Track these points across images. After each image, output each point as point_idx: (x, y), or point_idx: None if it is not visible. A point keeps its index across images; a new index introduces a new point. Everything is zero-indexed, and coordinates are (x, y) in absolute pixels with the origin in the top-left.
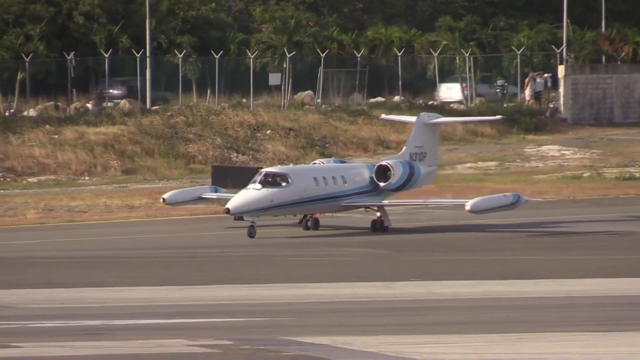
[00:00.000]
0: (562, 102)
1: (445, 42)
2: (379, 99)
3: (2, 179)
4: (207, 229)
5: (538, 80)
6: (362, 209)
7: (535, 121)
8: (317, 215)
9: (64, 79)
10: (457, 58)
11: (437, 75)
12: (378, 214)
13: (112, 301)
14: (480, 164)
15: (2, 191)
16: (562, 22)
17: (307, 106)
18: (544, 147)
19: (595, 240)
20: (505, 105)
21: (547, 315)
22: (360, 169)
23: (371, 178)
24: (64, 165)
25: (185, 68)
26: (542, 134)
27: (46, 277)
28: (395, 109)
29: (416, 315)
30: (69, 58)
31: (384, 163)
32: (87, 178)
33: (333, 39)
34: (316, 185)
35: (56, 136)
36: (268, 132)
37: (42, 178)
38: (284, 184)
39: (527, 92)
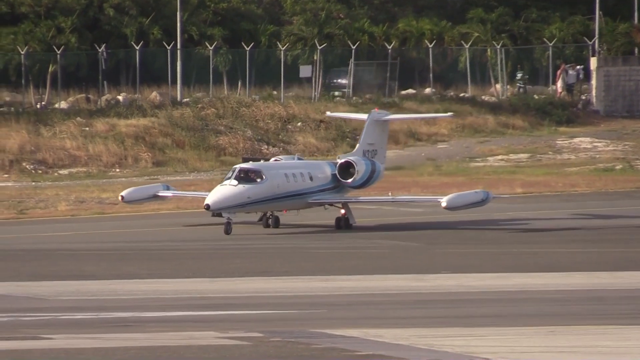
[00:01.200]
0: (594, 94)
1: (476, 34)
2: (410, 91)
3: (33, 171)
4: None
5: (570, 72)
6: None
7: (567, 113)
8: (284, 213)
9: (95, 72)
10: (489, 50)
11: (468, 67)
12: (342, 211)
13: (143, 293)
14: (512, 156)
15: (33, 183)
16: (595, 13)
17: (337, 98)
18: (576, 140)
19: (626, 233)
20: (537, 97)
21: (578, 308)
22: (322, 166)
23: (333, 175)
24: (94, 158)
25: (216, 60)
26: (574, 126)
27: (77, 269)
28: (427, 101)
29: (447, 307)
30: (100, 50)
31: (347, 160)
32: (117, 170)
33: (364, 31)
34: (287, 181)
35: (87, 128)
36: (299, 124)
37: (73, 170)
38: (258, 180)
39: (559, 85)
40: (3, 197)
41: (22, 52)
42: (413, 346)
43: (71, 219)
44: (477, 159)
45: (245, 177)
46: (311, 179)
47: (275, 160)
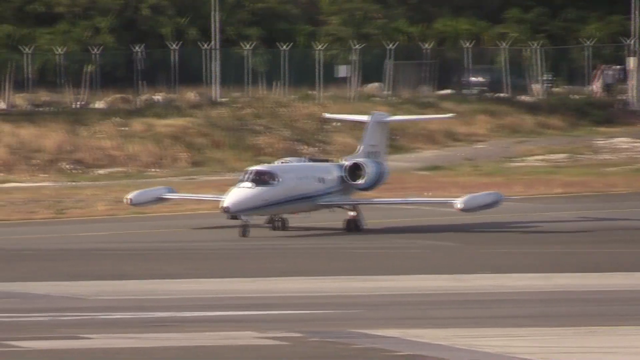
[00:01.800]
0: (632, 94)
1: (514, 34)
2: (448, 91)
3: (71, 171)
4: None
5: (608, 72)
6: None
7: (605, 113)
8: (295, 215)
9: (132, 72)
10: (527, 50)
11: (506, 67)
12: (352, 213)
13: (181, 293)
14: (550, 157)
15: (71, 183)
16: (632, 13)
17: (375, 98)
18: (615, 140)
19: None
20: (577, 97)
21: (619, 309)
22: (330, 168)
23: (341, 177)
24: (132, 157)
25: (253, 60)
26: (613, 126)
27: (115, 269)
28: (464, 101)
29: (487, 308)
30: (137, 50)
31: (356, 161)
32: (155, 170)
33: (401, 31)
34: (300, 184)
35: (125, 128)
36: (336, 124)
37: (111, 170)
38: (273, 182)
39: (597, 85)
40: (41, 197)
41: (60, 53)
42: (453, 346)
43: (109, 218)
44: (515, 159)
45: (260, 179)
46: (321, 181)
47: (282, 162)
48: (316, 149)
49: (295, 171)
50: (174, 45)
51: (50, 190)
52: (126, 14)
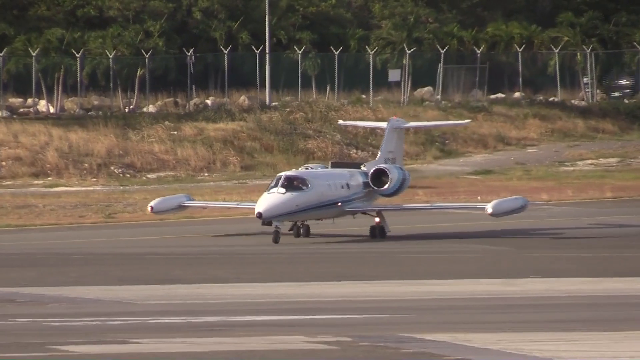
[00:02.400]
0: None
1: (566, 39)
2: (500, 95)
3: (121, 175)
4: (326, 226)
5: None
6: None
7: None
8: (321, 221)
9: (183, 75)
10: (578, 54)
11: (557, 71)
12: (377, 219)
13: (231, 297)
14: (601, 161)
15: (121, 187)
16: None
17: (426, 102)
18: None
19: None
20: (627, 101)
21: None
22: (355, 174)
23: (365, 183)
24: (183, 162)
25: (304, 64)
26: None
27: (165, 274)
28: (516, 105)
29: (537, 312)
30: (188, 54)
31: (380, 167)
32: (206, 174)
33: (453, 35)
34: (329, 190)
35: (175, 132)
36: None
37: (162, 174)
38: (304, 188)
39: None
40: (91, 201)
41: (110, 56)
42: (502, 351)
43: (159, 223)
44: (566, 163)
45: (291, 185)
46: (347, 187)
47: (306, 168)
48: (367, 153)
49: (323, 177)
50: (225, 49)
51: (100, 195)
52: (177, 18)
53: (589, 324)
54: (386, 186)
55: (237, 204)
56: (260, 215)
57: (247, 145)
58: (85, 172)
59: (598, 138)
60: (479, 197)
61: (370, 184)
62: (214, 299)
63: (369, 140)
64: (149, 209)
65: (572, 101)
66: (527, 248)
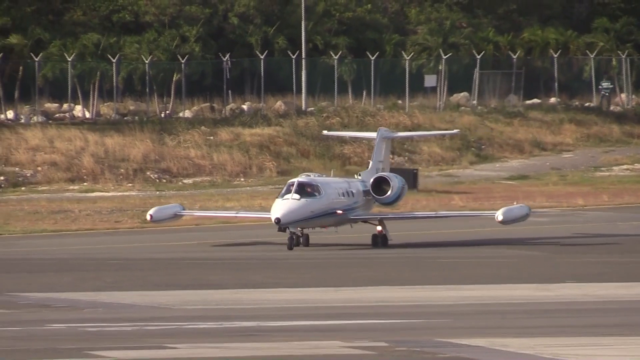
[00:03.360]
0: None
1: (601, 44)
2: (535, 100)
3: (157, 180)
4: (357, 231)
5: None
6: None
7: None
8: (325, 229)
9: (219, 80)
10: (614, 60)
11: (593, 77)
12: (379, 228)
13: (267, 302)
14: (637, 166)
15: (157, 192)
16: None
17: (462, 108)
18: None
19: None
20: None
21: None
22: (355, 183)
23: (365, 191)
24: (219, 167)
25: (340, 69)
26: None
27: (202, 279)
28: (552, 110)
29: (572, 317)
30: (224, 59)
31: (381, 175)
32: (242, 179)
33: (489, 40)
34: (338, 197)
35: (211, 137)
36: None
37: (198, 179)
38: (317, 194)
39: None
40: (127, 206)
41: (147, 61)
42: (538, 355)
43: (195, 228)
44: (602, 169)
45: (304, 191)
46: (349, 195)
47: (306, 175)
48: (403, 158)
49: (331, 184)
50: (261, 55)
51: (136, 200)
52: (214, 23)
53: (624, 328)
54: (388, 194)
55: (236, 213)
56: (278, 220)
57: (283, 151)
58: (121, 177)
59: (633, 143)
60: (514, 203)
61: (371, 192)
62: (251, 304)
63: (405, 146)
64: (148, 217)
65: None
66: (562, 253)
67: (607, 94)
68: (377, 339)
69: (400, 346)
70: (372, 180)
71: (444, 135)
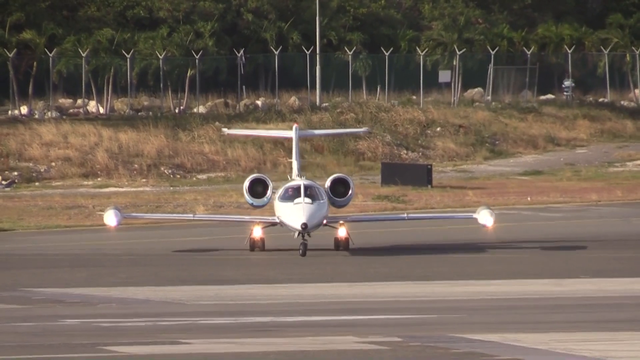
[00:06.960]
0: None
1: (615, 40)
2: (549, 96)
3: (171, 176)
4: (385, 226)
5: None
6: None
7: None
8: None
9: (233, 76)
10: (627, 55)
11: (607, 72)
12: (342, 231)
13: (281, 298)
14: None
15: (171, 188)
16: None
17: (476, 103)
18: None
19: None
20: None
21: None
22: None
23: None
24: (233, 162)
25: (355, 65)
26: None
27: (216, 274)
28: (565, 106)
29: (586, 312)
30: (238, 55)
31: (341, 176)
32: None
33: (503, 36)
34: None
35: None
36: (438, 129)
37: (212, 175)
38: (321, 198)
39: None
40: (141, 202)
41: (161, 57)
42: (552, 351)
43: (209, 223)
44: (615, 164)
45: (312, 195)
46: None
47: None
48: (417, 154)
49: (320, 187)
50: (275, 50)
51: (150, 195)
52: (227, 19)
53: (639, 324)
54: (349, 194)
55: (193, 216)
56: (305, 226)
57: None
58: (135, 172)
59: None
60: (529, 198)
61: (330, 194)
62: (265, 299)
63: (419, 142)
64: (112, 226)
65: (622, 102)
66: (576, 249)
67: (569, 93)
68: (390, 334)
69: (413, 341)
70: (330, 181)
71: (352, 133)
